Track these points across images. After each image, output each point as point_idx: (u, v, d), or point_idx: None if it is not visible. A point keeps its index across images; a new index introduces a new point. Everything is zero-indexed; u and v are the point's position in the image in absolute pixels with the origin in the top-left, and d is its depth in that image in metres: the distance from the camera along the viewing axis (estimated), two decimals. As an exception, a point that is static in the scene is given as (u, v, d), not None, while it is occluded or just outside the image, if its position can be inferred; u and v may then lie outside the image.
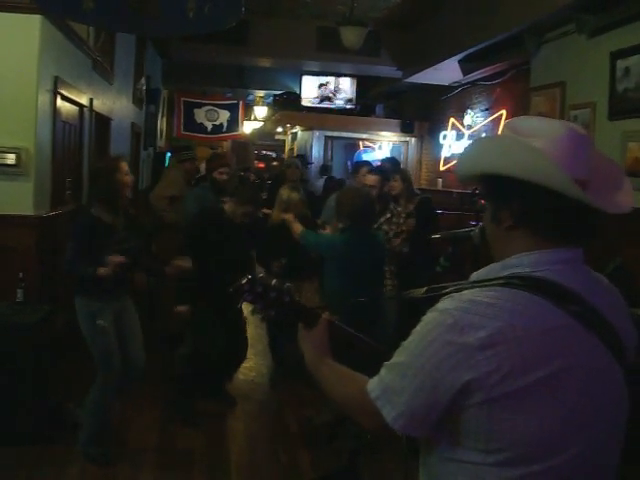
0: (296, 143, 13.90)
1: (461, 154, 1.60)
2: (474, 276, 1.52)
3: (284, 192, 5.83)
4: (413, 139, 12.90)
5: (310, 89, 13.04)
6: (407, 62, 10.48)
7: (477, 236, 2.26)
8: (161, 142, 13.98)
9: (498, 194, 1.49)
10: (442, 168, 11.28)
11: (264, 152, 22.18)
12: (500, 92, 9.05)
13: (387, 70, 11.15)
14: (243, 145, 19.30)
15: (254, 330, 7.76)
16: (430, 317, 1.41)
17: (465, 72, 8.92)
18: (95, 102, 6.77)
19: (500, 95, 9.05)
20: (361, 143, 14.88)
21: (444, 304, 1.41)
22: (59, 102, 5.49)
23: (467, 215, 6.88)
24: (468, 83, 10.08)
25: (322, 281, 4.94)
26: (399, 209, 5.69)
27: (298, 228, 4.98)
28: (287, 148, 16.00)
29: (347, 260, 4.63)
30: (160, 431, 4.86)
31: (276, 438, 4.96)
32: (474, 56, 8.31)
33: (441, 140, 11.26)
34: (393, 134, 13.03)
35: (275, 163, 21.68)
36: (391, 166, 7.77)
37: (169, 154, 11.24)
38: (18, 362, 4.38)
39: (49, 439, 4.44)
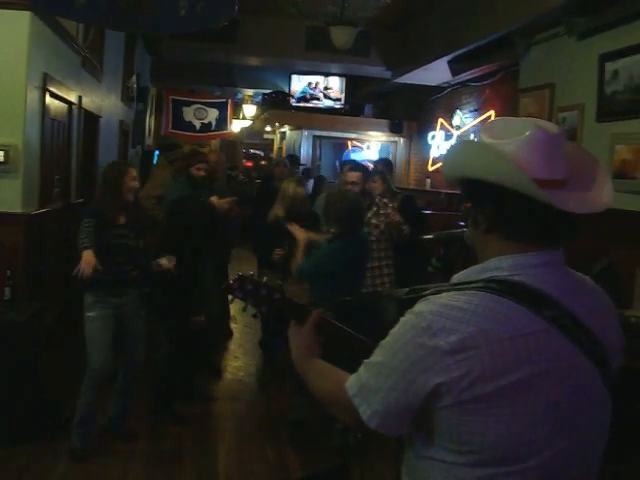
0: (285, 142, 13.90)
1: (444, 157, 1.62)
2: (455, 278, 1.54)
3: (289, 186, 5.75)
4: (402, 139, 12.92)
5: (299, 88, 13.04)
6: (396, 62, 10.50)
7: (468, 237, 2.26)
8: (149, 140, 13.93)
9: (475, 197, 1.51)
10: (430, 168, 11.31)
11: (252, 151, 22.14)
12: (489, 93, 9.09)
13: (376, 70, 11.17)
14: (231, 144, 19.27)
15: (242, 329, 7.77)
16: (406, 319, 1.43)
17: (454, 73, 8.95)
18: (84, 100, 6.75)
19: (489, 96, 9.08)
20: (349, 143, 14.89)
21: (420, 307, 1.42)
22: (48, 99, 5.46)
23: (455, 215, 6.90)
24: (457, 84, 10.11)
25: (311, 285, 4.87)
26: (385, 200, 5.68)
27: (302, 237, 4.90)
28: (276, 147, 15.99)
29: (342, 267, 4.60)
30: (148, 430, 4.85)
31: (264, 438, 4.96)
32: (464, 57, 8.33)
33: (429, 140, 11.29)
34: (382, 134, 13.06)
35: (263, 162, 21.70)
36: (384, 167, 7.80)
37: (157, 152, 11.20)
38: (6, 361, 4.36)
39: (40, 437, 4.43)
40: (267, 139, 18.34)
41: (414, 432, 1.47)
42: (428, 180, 11.51)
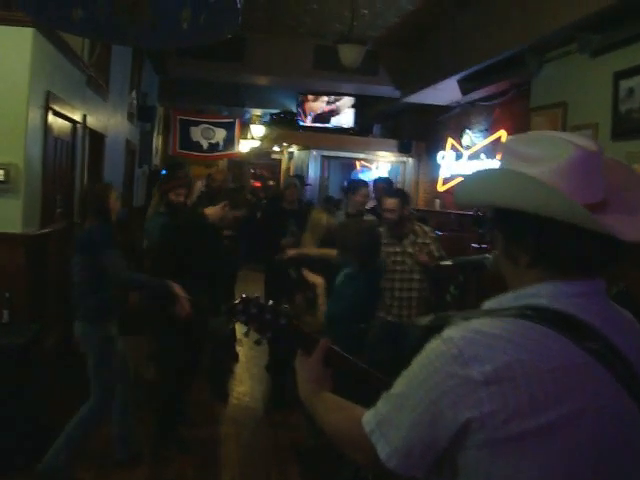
0: (293, 162, 13.80)
1: (463, 183, 1.46)
2: (486, 305, 1.39)
3: (322, 216, 5.66)
4: (410, 159, 12.80)
5: (308, 112, 12.97)
6: (405, 81, 10.41)
7: (492, 264, 2.12)
8: (157, 160, 13.87)
9: (509, 228, 1.36)
10: (440, 189, 11.17)
11: (259, 172, 22.05)
12: (499, 112, 8.97)
13: (385, 90, 11.07)
14: (239, 164, 19.20)
15: (248, 352, 7.61)
16: (433, 346, 1.29)
17: (465, 92, 8.82)
18: (89, 118, 6.65)
19: (499, 115, 8.96)
20: (358, 163, 14.78)
21: (449, 332, 1.28)
22: (51, 118, 5.36)
23: (467, 236, 6.74)
24: (467, 103, 9.99)
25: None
26: (426, 228, 5.42)
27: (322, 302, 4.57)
28: (284, 167, 15.90)
29: (365, 299, 4.36)
30: (150, 457, 4.69)
31: (270, 466, 4.80)
32: (474, 76, 8.22)
33: (439, 160, 11.15)
34: (390, 154, 12.95)
35: (271, 182, 21.60)
36: (386, 186, 7.66)
37: (164, 172, 11.13)
38: (3, 385, 4.22)
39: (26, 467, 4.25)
40: (275, 159, 18.25)
41: (433, 475, 1.30)
42: (437, 201, 11.37)
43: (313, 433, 4.76)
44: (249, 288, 7.75)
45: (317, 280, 4.57)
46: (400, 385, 1.31)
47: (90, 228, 4.26)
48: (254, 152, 17.98)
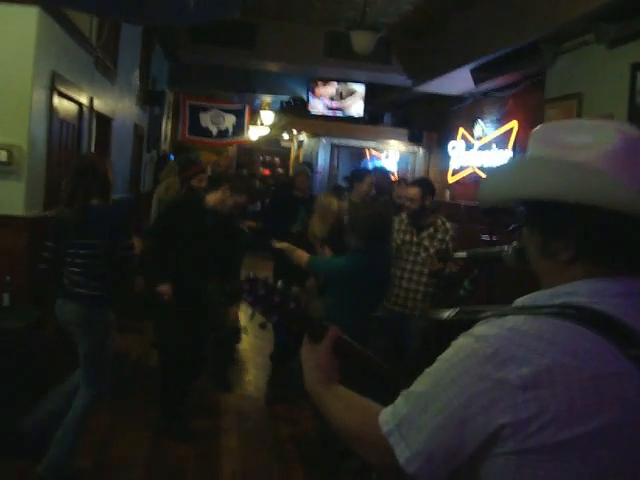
0: (302, 150, 13.68)
1: (492, 176, 1.36)
2: (519, 302, 1.28)
3: (332, 201, 5.57)
4: (421, 149, 12.68)
5: (318, 96, 12.84)
6: (418, 70, 10.27)
7: (511, 258, 2.01)
8: (165, 145, 13.79)
9: (549, 222, 1.25)
10: (450, 180, 11.06)
11: (268, 158, 21.96)
12: (512, 103, 8.84)
13: (397, 78, 10.94)
14: (248, 151, 19.11)
15: (253, 341, 7.54)
16: (463, 343, 1.18)
17: (477, 82, 8.70)
18: (96, 101, 6.56)
19: (512, 106, 8.83)
20: (368, 152, 14.68)
21: (481, 330, 1.18)
22: (56, 99, 5.28)
23: (477, 229, 6.62)
24: (479, 93, 9.86)
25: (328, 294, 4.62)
26: (448, 224, 5.28)
27: (303, 255, 4.60)
28: (293, 155, 15.79)
29: (358, 282, 4.31)
30: (151, 447, 4.62)
31: (272, 459, 4.73)
32: (487, 65, 8.09)
33: (450, 151, 11.04)
34: (401, 143, 12.82)
35: (281, 170, 21.50)
36: (384, 178, 7.56)
37: (172, 156, 11.05)
38: (2, 370, 4.15)
39: (37, 453, 4.19)
40: (284, 147, 18.15)
41: None
42: (447, 192, 11.25)
43: (317, 426, 4.71)
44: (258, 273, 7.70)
45: (301, 255, 4.56)
46: (424, 384, 1.20)
47: (105, 209, 3.98)
48: (264, 139, 17.89)
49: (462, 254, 2.22)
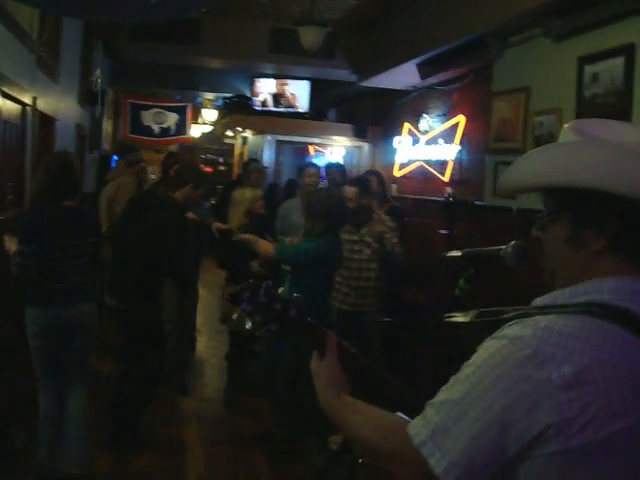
0: (247, 147, 13.55)
1: (525, 161, 1.35)
2: (538, 302, 1.28)
3: (244, 191, 5.65)
4: (366, 144, 12.70)
5: (262, 92, 12.75)
6: (363, 65, 10.26)
7: (510, 256, 2.00)
8: (107, 145, 13.49)
9: (584, 211, 1.24)
10: (397, 174, 11.09)
11: (210, 156, 21.74)
12: (458, 97, 8.90)
13: (341, 73, 10.92)
14: (190, 149, 18.89)
15: (207, 342, 7.45)
16: (497, 346, 1.16)
17: (424, 76, 8.72)
18: (39, 101, 6.35)
19: (458, 100, 8.89)
20: (311, 148, 14.63)
21: (514, 331, 1.16)
22: (0, 100, 5.08)
23: (432, 222, 6.64)
24: (424, 87, 9.90)
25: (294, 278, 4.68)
26: (385, 217, 5.44)
27: (267, 246, 4.66)
28: (237, 152, 15.64)
29: (325, 266, 4.46)
30: (112, 457, 4.50)
31: (238, 461, 4.66)
32: (434, 60, 8.13)
33: (395, 145, 11.07)
34: (346, 139, 12.82)
35: (222, 168, 21.32)
36: (338, 172, 7.58)
37: (116, 157, 10.82)
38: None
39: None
40: (228, 144, 17.98)
41: None
42: (394, 186, 11.29)
43: (280, 423, 4.69)
44: (209, 277, 7.56)
45: (265, 246, 4.75)
46: (456, 391, 1.17)
47: (84, 210, 4.12)
48: (205, 137, 17.70)
49: (457, 253, 2.20)
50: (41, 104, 6.47)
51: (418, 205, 9.80)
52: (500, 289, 4.26)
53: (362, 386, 1.56)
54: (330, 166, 8.01)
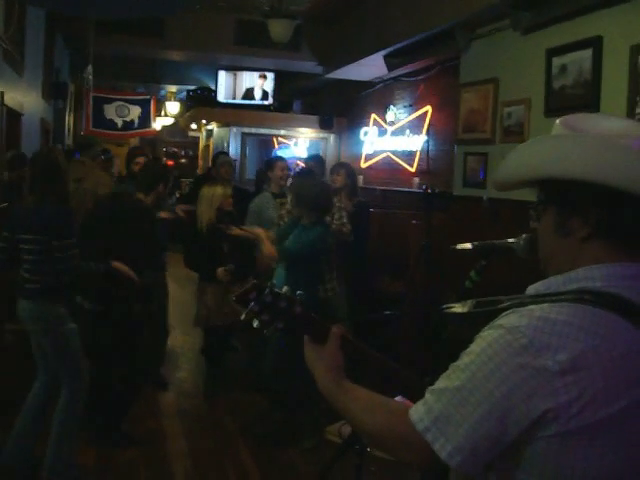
0: (212, 140, 13.49)
1: (515, 155, 1.39)
2: (531, 290, 1.34)
3: (217, 189, 5.66)
4: (332, 135, 12.74)
5: (226, 84, 12.69)
6: (329, 57, 10.30)
7: (522, 248, 2.05)
8: (68, 139, 13.30)
9: (568, 200, 1.30)
10: (363, 165, 11.16)
11: (172, 149, 21.56)
12: (424, 88, 8.98)
13: (307, 65, 10.93)
14: (151, 142, 18.71)
15: (182, 337, 7.42)
16: (495, 335, 1.21)
17: (391, 68, 8.78)
18: (6, 96, 6.26)
19: (424, 91, 8.98)
20: (275, 140, 14.61)
21: (510, 320, 1.22)
22: (-31, 95, 5.01)
23: (404, 213, 6.71)
24: (390, 79, 9.97)
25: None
26: (340, 205, 5.56)
27: (269, 246, 4.84)
28: (202, 145, 15.56)
29: (322, 252, 4.74)
30: (96, 453, 4.48)
31: (222, 454, 4.68)
32: (401, 51, 8.19)
33: (362, 137, 11.13)
34: (311, 130, 12.84)
35: (184, 161, 21.16)
36: (316, 165, 7.61)
37: (78, 154, 10.68)
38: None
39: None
40: (192, 137, 17.87)
41: (486, 470, 1.24)
42: (361, 177, 11.35)
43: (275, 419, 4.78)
44: (178, 272, 7.53)
45: (259, 232, 5.21)
46: (458, 379, 1.23)
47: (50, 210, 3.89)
48: (167, 129, 17.57)
49: (467, 245, 2.25)
50: (8, 99, 6.38)
51: (386, 196, 9.89)
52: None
53: (369, 377, 1.60)
54: (309, 159, 8.05)
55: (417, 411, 1.26)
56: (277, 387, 4.81)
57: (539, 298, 1.27)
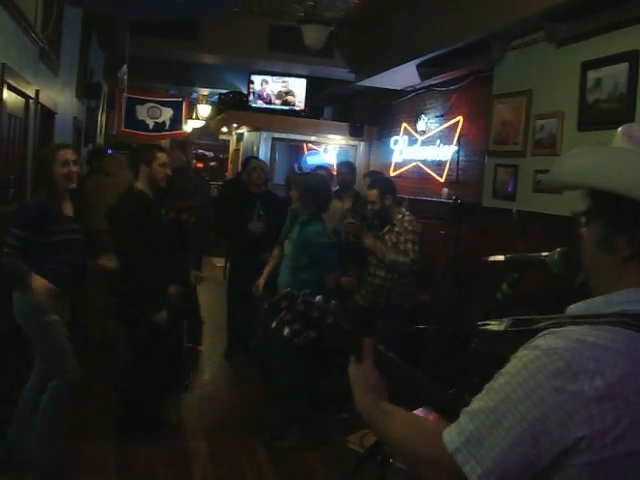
0: (242, 144, 13.53)
1: (571, 159, 1.35)
2: (572, 310, 1.30)
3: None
4: (362, 143, 12.71)
5: (259, 89, 12.72)
6: (361, 64, 10.28)
7: (557, 262, 2.01)
8: (100, 139, 13.44)
9: (615, 216, 1.26)
10: (392, 173, 11.12)
11: (201, 151, 21.65)
12: (456, 98, 8.93)
13: (339, 72, 10.93)
14: (181, 144, 18.80)
15: (207, 340, 7.43)
16: (531, 357, 1.18)
17: (423, 77, 8.75)
18: (41, 94, 6.32)
19: (456, 101, 8.92)
20: (305, 146, 14.62)
21: (547, 342, 1.18)
22: (5, 92, 5.06)
23: (424, 223, 6.64)
24: (422, 88, 9.93)
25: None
26: (406, 218, 5.47)
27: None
28: (232, 149, 15.61)
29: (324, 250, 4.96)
30: (117, 449, 4.51)
31: (240, 455, 4.68)
32: (434, 61, 8.15)
33: (392, 145, 11.10)
34: (341, 137, 12.83)
35: (213, 163, 21.24)
36: (348, 171, 7.58)
37: (109, 151, 10.78)
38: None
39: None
40: (222, 140, 17.94)
41: None
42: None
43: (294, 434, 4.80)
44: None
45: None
46: (490, 400, 1.20)
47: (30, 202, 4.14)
48: (198, 132, 17.65)
49: (500, 258, 2.22)
50: (43, 97, 6.45)
51: (414, 205, 9.83)
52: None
53: (399, 390, 1.57)
54: (341, 165, 8.00)
55: (449, 432, 1.24)
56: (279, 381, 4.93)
57: (579, 319, 1.24)
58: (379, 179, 6.09)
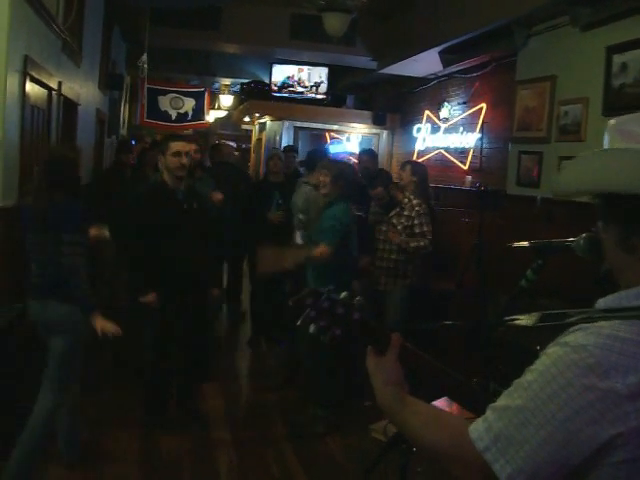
0: (265, 133, 13.52)
1: (575, 167, 1.32)
2: (602, 303, 1.26)
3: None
4: (385, 131, 12.65)
5: (280, 78, 12.68)
6: (383, 52, 10.22)
7: (582, 248, 1.98)
8: (123, 130, 13.50)
9: (632, 217, 1.23)
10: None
11: (223, 141, 21.67)
12: (479, 85, 8.84)
13: (361, 60, 10.88)
14: (204, 134, 18.87)
15: (228, 328, 7.47)
16: (560, 353, 1.14)
17: (446, 64, 8.68)
18: (64, 86, 6.36)
19: (479, 88, 8.84)
20: (328, 135, 14.58)
21: (577, 338, 1.14)
22: (28, 85, 5.08)
23: (447, 210, 6.61)
24: (444, 75, 9.85)
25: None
26: (415, 201, 5.54)
27: (321, 248, 4.82)
28: (254, 138, 15.62)
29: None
30: (140, 441, 4.54)
31: (264, 443, 4.70)
32: (457, 47, 8.07)
33: (414, 133, 11.03)
34: (364, 126, 12.77)
35: (237, 153, 21.27)
36: (369, 159, 7.56)
37: (134, 142, 10.84)
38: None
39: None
40: (244, 130, 17.95)
41: None
42: (412, 173, 11.25)
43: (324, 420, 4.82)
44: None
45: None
46: (519, 397, 1.17)
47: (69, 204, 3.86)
48: (220, 122, 17.68)
49: (524, 244, 2.19)
50: (65, 89, 6.48)
51: (437, 193, 9.77)
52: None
53: (422, 381, 1.55)
54: (362, 153, 8.00)
55: (477, 429, 1.21)
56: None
57: (609, 314, 1.20)
58: (381, 175, 6.30)
